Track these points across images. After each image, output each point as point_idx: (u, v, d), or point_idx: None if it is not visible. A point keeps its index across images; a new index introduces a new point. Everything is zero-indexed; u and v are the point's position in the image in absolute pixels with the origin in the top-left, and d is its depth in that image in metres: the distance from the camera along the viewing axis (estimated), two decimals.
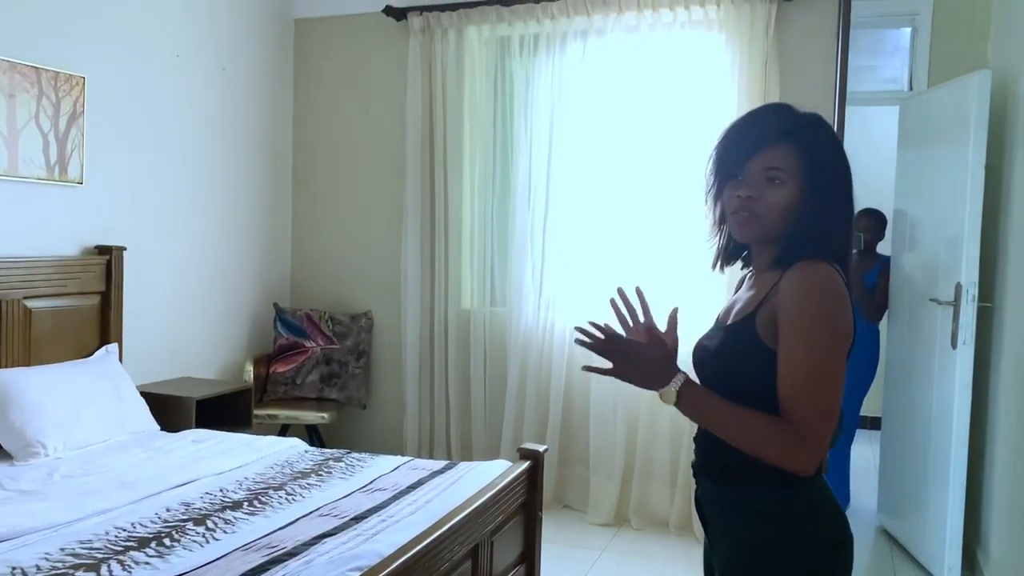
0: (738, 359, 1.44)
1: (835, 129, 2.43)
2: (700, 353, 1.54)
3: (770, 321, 1.39)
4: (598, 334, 1.45)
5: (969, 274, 3.30)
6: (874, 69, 5.14)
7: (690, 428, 3.97)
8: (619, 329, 1.50)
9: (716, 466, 1.50)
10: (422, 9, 4.41)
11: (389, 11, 4.47)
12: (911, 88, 4.32)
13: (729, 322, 1.52)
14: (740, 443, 1.38)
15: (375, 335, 4.72)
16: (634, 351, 1.44)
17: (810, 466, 1.34)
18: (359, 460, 3.02)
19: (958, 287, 3.32)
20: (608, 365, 1.46)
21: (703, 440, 1.53)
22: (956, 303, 3.33)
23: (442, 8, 4.37)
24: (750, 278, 1.57)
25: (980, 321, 3.37)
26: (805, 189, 1.43)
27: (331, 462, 2.98)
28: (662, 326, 1.52)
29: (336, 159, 4.79)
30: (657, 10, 4.01)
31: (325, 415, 4.30)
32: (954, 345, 3.34)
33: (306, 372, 4.48)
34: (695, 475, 1.58)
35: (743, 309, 1.49)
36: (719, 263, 1.63)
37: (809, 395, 1.33)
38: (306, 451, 3.16)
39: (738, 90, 3.88)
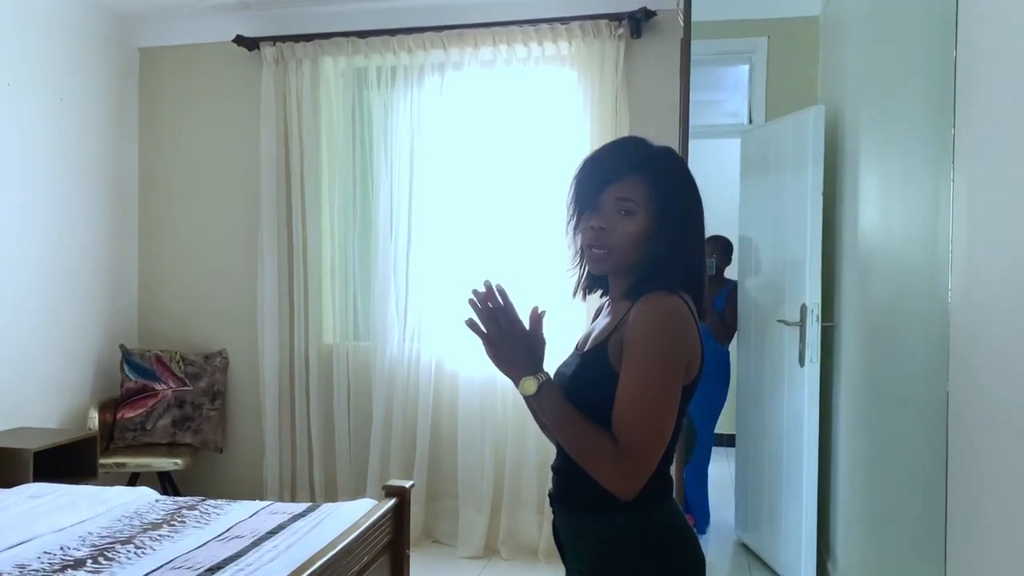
0: (590, 385, 1.46)
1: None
2: (558, 379, 1.55)
3: (620, 349, 1.42)
4: (498, 300, 1.45)
5: (813, 295, 3.51)
6: (717, 104, 5.41)
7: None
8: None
9: (570, 494, 1.52)
10: (275, 40, 4.32)
11: (240, 41, 4.35)
12: (751, 121, 4.57)
13: (586, 349, 1.55)
14: (575, 451, 1.40)
15: (231, 374, 4.53)
16: (516, 328, 1.45)
17: (631, 490, 1.37)
18: (215, 507, 2.87)
19: (803, 308, 3.52)
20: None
21: (560, 468, 1.54)
22: (802, 323, 3.53)
23: (296, 39, 4.29)
24: (607, 306, 1.61)
25: (823, 339, 3.57)
26: (655, 219, 1.47)
27: (184, 511, 2.82)
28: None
29: (186, 192, 4.59)
30: (512, 45, 4.09)
31: (179, 461, 4.08)
32: (802, 363, 3.53)
33: (157, 416, 4.24)
34: (552, 503, 1.59)
35: (598, 336, 1.52)
36: (580, 291, 1.65)
37: (636, 423, 1.37)
38: (157, 500, 2.98)
39: (590, 124, 3.99)
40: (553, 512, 1.60)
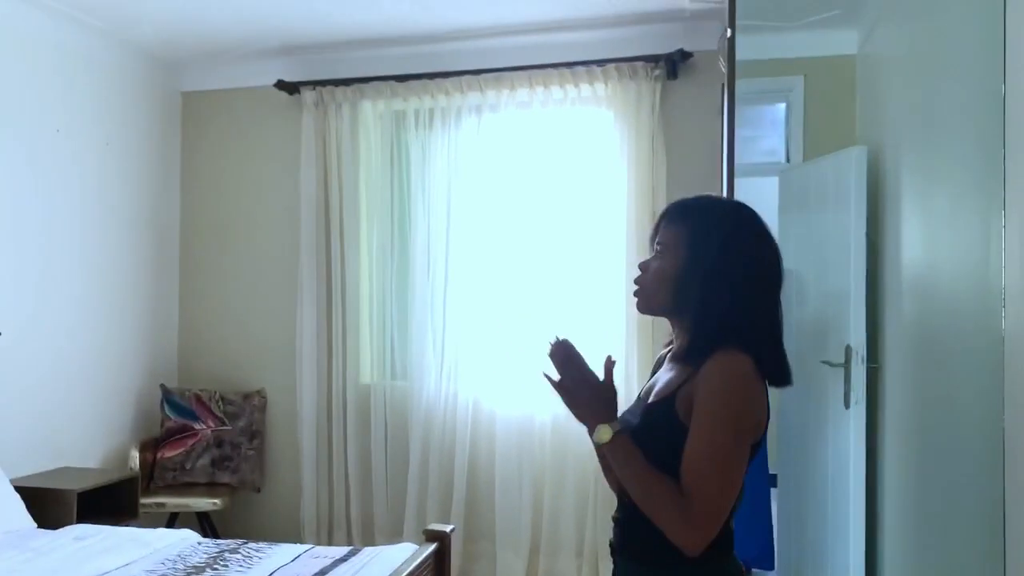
0: (656, 436, 1.47)
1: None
2: (623, 428, 1.55)
3: (688, 403, 1.43)
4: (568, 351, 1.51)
5: (857, 336, 3.45)
6: (753, 141, 5.41)
7: (595, 497, 3.99)
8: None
9: (634, 545, 1.52)
10: (315, 84, 4.40)
11: (281, 85, 4.44)
12: (788, 160, 4.56)
13: (650, 401, 1.55)
14: (644, 502, 1.42)
15: (269, 414, 4.55)
16: (587, 377, 1.49)
17: (698, 544, 1.38)
18: (256, 551, 2.87)
19: (848, 349, 3.47)
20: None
21: (623, 520, 1.54)
22: (847, 364, 3.47)
23: (336, 83, 4.37)
24: (670, 359, 1.61)
25: (869, 381, 3.51)
26: (685, 263, 1.50)
27: (227, 554, 2.82)
28: None
29: (227, 233, 4.66)
30: (548, 87, 4.12)
31: (217, 501, 4.08)
32: (847, 405, 3.47)
33: (196, 456, 4.26)
34: (613, 554, 1.58)
35: (663, 390, 1.53)
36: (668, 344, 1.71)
37: (706, 478, 1.38)
38: (199, 543, 2.98)
39: (627, 164, 4.00)
40: (614, 563, 1.59)
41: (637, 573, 1.52)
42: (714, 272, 1.48)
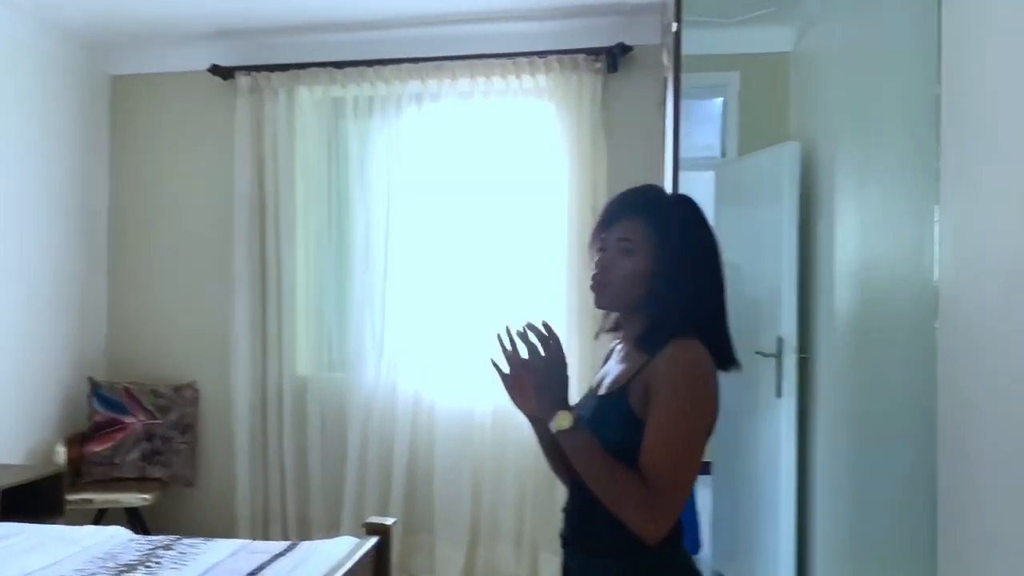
0: (611, 426, 1.47)
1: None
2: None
3: (643, 393, 1.44)
4: (536, 335, 1.48)
5: (789, 327, 3.54)
6: (689, 135, 5.49)
7: (535, 488, 4.01)
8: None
9: (587, 537, 1.52)
10: (250, 69, 4.29)
11: (215, 70, 4.32)
12: (724, 155, 4.63)
13: (602, 392, 1.55)
14: (604, 491, 1.41)
15: (201, 407, 4.44)
16: (560, 360, 1.47)
17: (659, 533, 1.39)
18: (191, 547, 2.79)
19: (779, 340, 3.55)
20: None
21: (574, 511, 1.54)
22: (778, 355, 3.56)
23: (272, 68, 4.27)
24: (620, 350, 1.61)
25: (800, 371, 3.60)
26: (656, 260, 1.50)
27: (160, 551, 2.74)
28: None
29: (158, 220, 4.53)
30: (490, 77, 4.10)
31: (147, 496, 3.97)
32: (779, 394, 3.56)
33: (125, 450, 4.14)
34: (564, 546, 1.58)
35: (616, 380, 1.53)
36: (598, 332, 1.70)
37: (664, 467, 1.39)
38: (131, 540, 2.89)
39: (569, 156, 4.01)
40: (565, 554, 1.59)
41: (589, 565, 1.52)
42: (681, 265, 1.50)
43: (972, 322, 1.81)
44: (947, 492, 1.94)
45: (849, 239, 3.10)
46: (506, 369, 1.54)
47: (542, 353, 1.46)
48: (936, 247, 2.01)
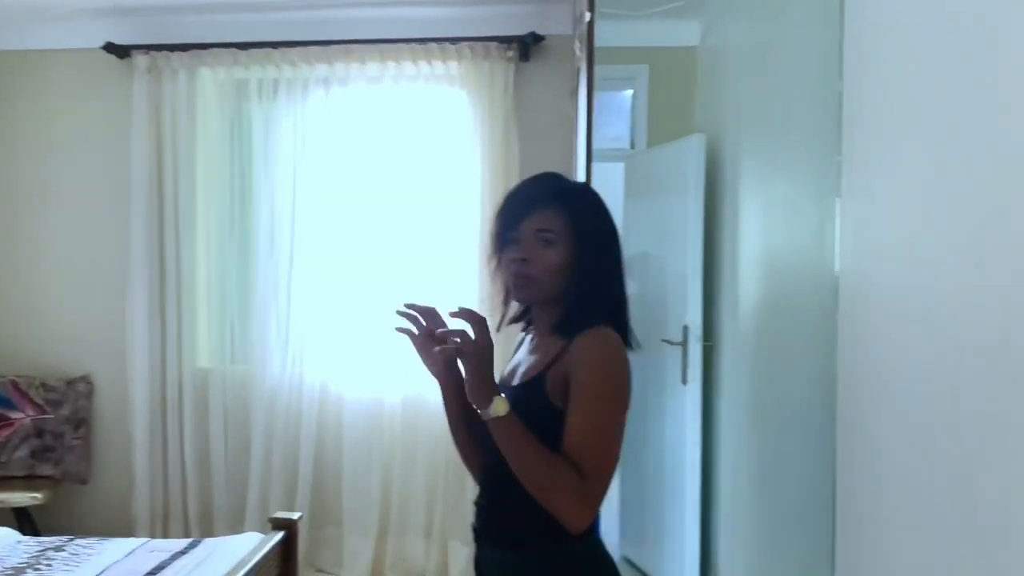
0: (529, 417, 1.45)
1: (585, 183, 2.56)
2: None
3: (560, 382, 1.43)
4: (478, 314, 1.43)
5: (694, 316, 3.62)
6: (599, 127, 5.54)
7: (445, 479, 3.98)
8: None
9: (500, 531, 1.51)
10: (148, 48, 4.11)
11: (111, 48, 4.11)
12: (633, 146, 4.69)
13: (515, 383, 1.54)
14: (535, 479, 1.39)
15: (96, 401, 4.24)
16: (486, 348, 1.43)
17: (584, 521, 1.39)
18: (85, 547, 2.66)
19: (685, 328, 3.62)
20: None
21: (486, 504, 1.53)
22: (684, 343, 3.63)
23: (171, 48, 4.10)
24: (531, 340, 1.60)
25: (704, 358, 3.69)
26: (576, 250, 1.49)
27: (51, 552, 2.60)
28: None
29: (48, 205, 4.29)
30: (400, 63, 4.04)
31: (38, 495, 3.78)
32: (684, 381, 3.63)
33: (13, 447, 3.92)
34: (477, 539, 1.56)
35: (530, 371, 1.52)
36: (500, 324, 1.66)
37: (592, 452, 1.38)
38: (19, 541, 2.74)
39: (480, 144, 3.99)
40: (478, 547, 1.57)
41: (504, 558, 1.50)
42: (597, 254, 1.50)
43: (871, 312, 1.87)
44: (845, 479, 2.00)
45: (753, 230, 3.18)
46: (415, 331, 1.49)
47: (473, 337, 1.41)
48: (837, 238, 2.07)
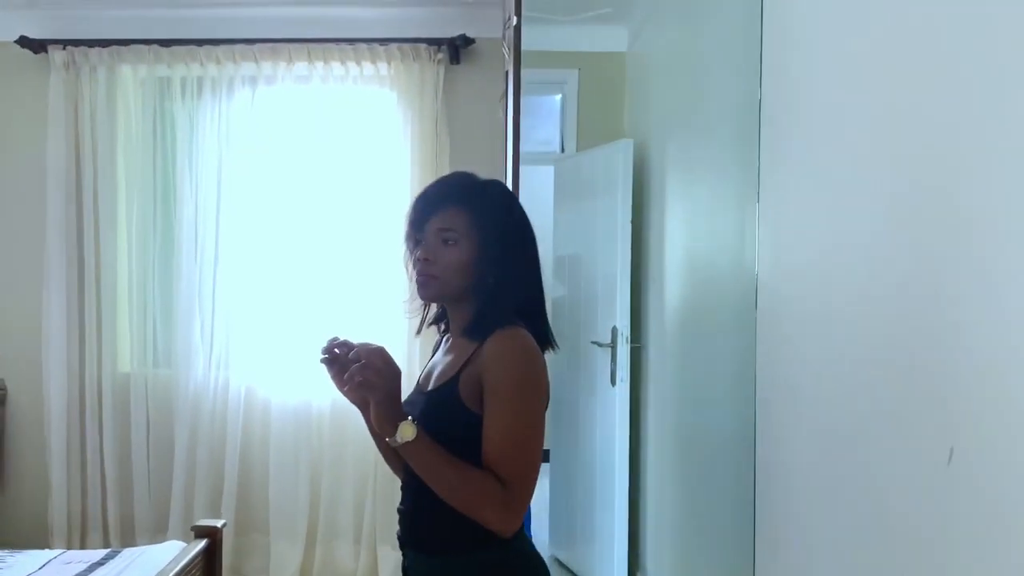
0: (442, 422, 1.44)
1: (511, 187, 2.58)
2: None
3: (474, 386, 1.42)
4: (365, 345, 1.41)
5: (623, 318, 3.67)
6: (530, 130, 5.58)
7: (374, 484, 3.95)
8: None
9: (425, 537, 1.50)
10: (66, 43, 3.97)
11: (25, 42, 3.97)
12: (563, 150, 4.74)
13: (430, 387, 1.53)
14: (453, 496, 1.38)
15: (9, 407, 4.09)
16: (394, 370, 1.40)
17: (513, 524, 1.39)
18: None
19: (614, 330, 3.67)
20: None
21: (410, 512, 1.51)
22: (613, 344, 3.68)
23: (90, 43, 3.97)
24: (446, 342, 1.60)
25: (632, 360, 3.74)
26: (479, 248, 1.49)
27: None
28: None
29: None
30: (328, 63, 3.99)
31: None
32: (613, 383, 3.68)
33: None
34: (402, 547, 1.55)
35: (444, 373, 1.51)
36: (420, 327, 1.65)
37: (513, 458, 1.38)
38: None
39: (410, 145, 3.97)
40: (404, 555, 1.56)
41: (429, 564, 1.49)
42: (504, 252, 1.50)
43: (787, 313, 1.93)
44: (764, 480, 2.06)
45: (678, 233, 3.24)
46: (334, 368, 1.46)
47: (377, 367, 1.39)
48: (756, 242, 2.13)
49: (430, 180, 3.86)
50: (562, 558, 4.26)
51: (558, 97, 4.71)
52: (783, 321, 1.96)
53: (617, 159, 3.78)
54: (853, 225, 1.58)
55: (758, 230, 2.12)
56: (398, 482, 1.60)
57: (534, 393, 1.42)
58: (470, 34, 3.99)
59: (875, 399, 1.46)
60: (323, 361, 1.43)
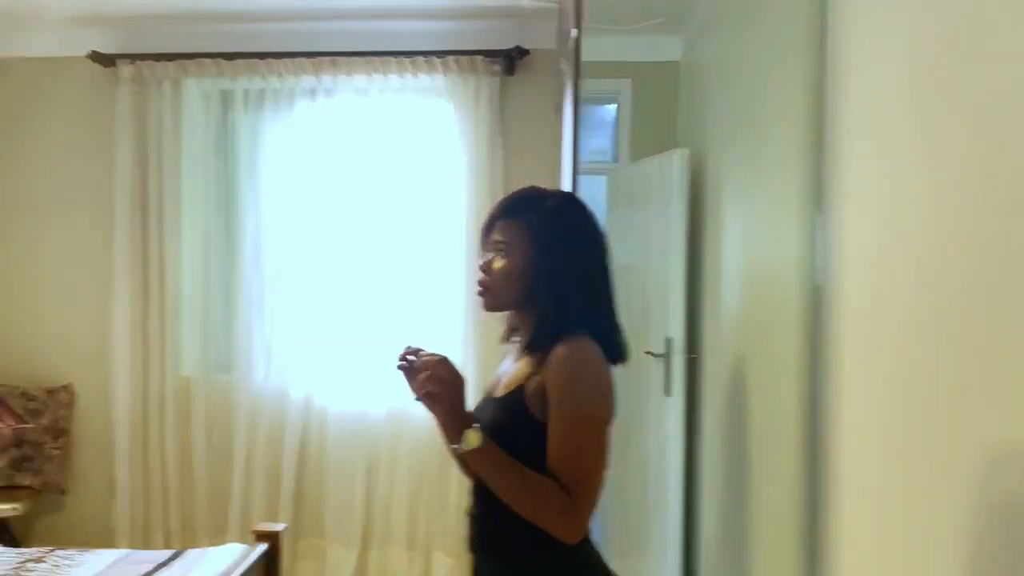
0: (509, 430, 1.46)
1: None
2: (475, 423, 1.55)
3: (539, 394, 1.44)
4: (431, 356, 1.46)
5: (677, 329, 3.65)
6: (583, 141, 5.59)
7: (428, 490, 3.99)
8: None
9: (493, 541, 1.52)
10: (134, 57, 4.11)
11: (96, 57, 4.11)
12: (616, 160, 4.74)
13: (498, 394, 1.55)
14: (517, 501, 1.41)
15: (77, 411, 4.22)
16: (459, 380, 1.45)
17: (577, 532, 1.40)
18: (66, 558, 2.65)
19: (668, 341, 3.65)
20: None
21: (479, 516, 1.53)
22: (667, 355, 3.66)
23: (157, 58, 4.10)
24: (514, 352, 1.62)
25: (687, 371, 3.71)
26: (531, 258, 1.51)
27: (31, 564, 2.59)
28: None
29: (30, 213, 4.26)
30: (386, 74, 4.06)
31: (17, 506, 3.75)
32: (668, 393, 3.66)
33: None
34: (471, 550, 1.57)
35: (511, 381, 1.53)
36: (506, 336, 1.71)
37: (575, 467, 1.39)
38: None
39: (466, 157, 4.01)
40: (473, 558, 1.58)
41: (501, 569, 1.51)
42: (559, 263, 1.51)
43: (852, 326, 1.90)
44: (826, 496, 2.03)
45: (735, 243, 3.22)
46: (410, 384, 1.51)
47: (440, 377, 1.43)
48: (819, 252, 2.11)
49: (485, 189, 3.96)
50: (614, 568, 4.24)
51: (612, 107, 4.71)
52: (847, 333, 1.93)
53: (672, 168, 3.76)
54: (925, 237, 1.55)
55: (820, 240, 2.10)
56: (452, 488, 1.63)
57: (596, 402, 1.43)
58: (525, 46, 4.02)
59: (948, 417, 1.44)
60: (399, 368, 1.48)
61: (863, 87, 1.88)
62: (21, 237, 4.27)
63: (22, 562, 2.60)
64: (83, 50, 4.11)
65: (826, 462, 2.05)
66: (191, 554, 2.71)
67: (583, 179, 5.67)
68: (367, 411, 4.03)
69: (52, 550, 2.75)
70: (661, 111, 4.47)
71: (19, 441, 3.95)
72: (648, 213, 4.01)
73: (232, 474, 4.07)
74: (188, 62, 4.09)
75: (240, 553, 2.64)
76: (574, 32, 2.44)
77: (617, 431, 4.25)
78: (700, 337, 3.73)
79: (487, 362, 3.84)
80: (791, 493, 2.41)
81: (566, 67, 2.83)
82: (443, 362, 1.43)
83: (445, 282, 4.01)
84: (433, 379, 1.41)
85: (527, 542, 1.42)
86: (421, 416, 3.81)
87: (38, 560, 2.62)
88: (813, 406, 2.10)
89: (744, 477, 3.06)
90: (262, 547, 2.67)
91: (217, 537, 3.99)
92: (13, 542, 3.73)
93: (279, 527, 2.79)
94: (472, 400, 1.60)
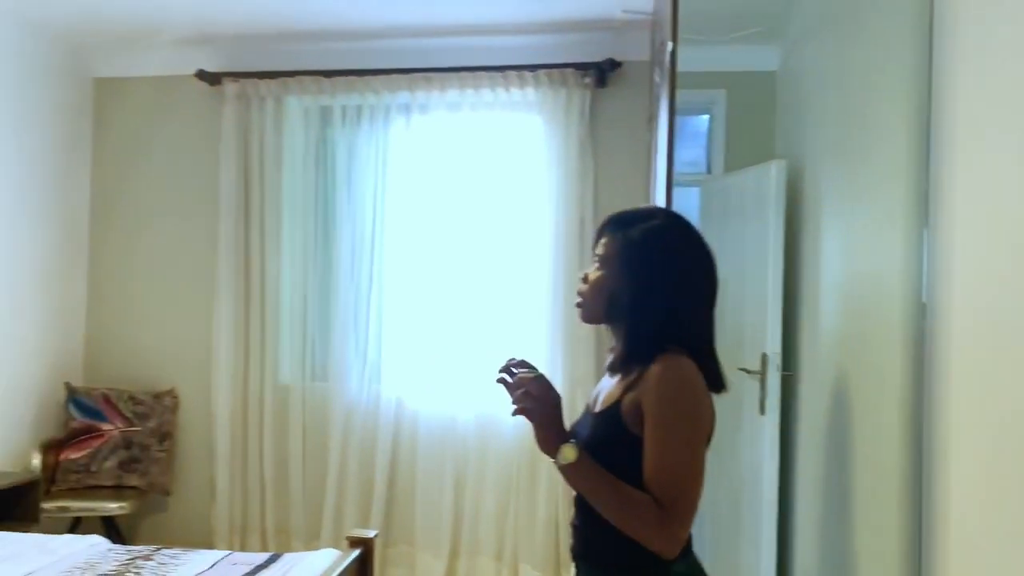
0: (606, 446, 1.48)
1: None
2: (574, 437, 1.56)
3: (635, 410, 1.44)
4: (528, 372, 1.51)
5: (773, 345, 3.56)
6: (676, 152, 5.53)
7: (516, 500, 3.99)
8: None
9: (594, 552, 1.53)
10: (238, 76, 4.28)
11: (202, 75, 4.29)
12: (710, 171, 4.66)
13: (597, 409, 1.56)
14: (613, 514, 1.43)
15: (180, 415, 4.39)
16: (553, 394, 1.49)
17: (672, 546, 1.39)
18: (172, 557, 2.75)
19: (764, 357, 3.57)
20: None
21: (583, 527, 1.55)
22: (763, 372, 3.57)
23: (260, 76, 4.25)
24: (609, 367, 1.63)
25: (783, 388, 3.62)
26: (619, 271, 1.51)
27: (140, 561, 2.70)
28: None
29: (140, 225, 4.48)
30: (478, 90, 4.11)
31: (124, 505, 3.92)
32: (762, 411, 3.57)
33: (102, 458, 4.08)
34: (575, 560, 1.60)
35: (609, 396, 1.54)
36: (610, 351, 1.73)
37: (670, 482, 1.39)
38: (109, 549, 2.85)
39: (556, 170, 4.03)
40: (576, 569, 1.60)
41: None
42: (648, 281, 1.50)
43: (961, 345, 1.82)
44: (932, 513, 1.94)
45: (835, 258, 3.12)
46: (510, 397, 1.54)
47: (535, 394, 1.47)
48: (925, 266, 2.03)
49: (575, 202, 3.97)
50: None
51: (705, 117, 4.65)
52: (955, 353, 1.85)
53: (769, 180, 3.68)
54: None
55: (928, 256, 2.02)
56: (539, 500, 1.65)
57: (692, 419, 1.43)
58: (617, 58, 4.01)
59: None
60: (498, 381, 1.51)
61: (973, 96, 1.81)
62: (132, 248, 4.49)
63: (131, 559, 2.72)
64: (191, 69, 4.31)
65: (931, 493, 1.97)
66: (288, 557, 2.78)
67: (676, 190, 5.60)
68: (456, 416, 4.07)
69: (158, 549, 2.86)
70: (756, 122, 4.38)
71: (127, 443, 4.14)
72: (743, 225, 3.93)
73: (326, 480, 4.17)
74: (289, 80, 4.24)
75: (335, 558, 2.69)
76: (669, 45, 2.41)
77: (711, 450, 4.16)
78: (796, 353, 3.64)
79: (577, 373, 3.83)
80: (893, 521, 2.32)
81: (659, 78, 2.81)
82: (537, 380, 1.46)
83: (534, 290, 4.02)
84: (527, 397, 1.46)
85: (626, 553, 1.42)
86: (509, 423, 3.84)
87: (146, 558, 2.74)
88: (919, 430, 2.02)
89: (846, 504, 2.96)
90: (355, 553, 2.71)
91: (311, 542, 4.09)
92: (120, 539, 3.90)
93: (371, 534, 2.83)
94: (571, 415, 1.61)
